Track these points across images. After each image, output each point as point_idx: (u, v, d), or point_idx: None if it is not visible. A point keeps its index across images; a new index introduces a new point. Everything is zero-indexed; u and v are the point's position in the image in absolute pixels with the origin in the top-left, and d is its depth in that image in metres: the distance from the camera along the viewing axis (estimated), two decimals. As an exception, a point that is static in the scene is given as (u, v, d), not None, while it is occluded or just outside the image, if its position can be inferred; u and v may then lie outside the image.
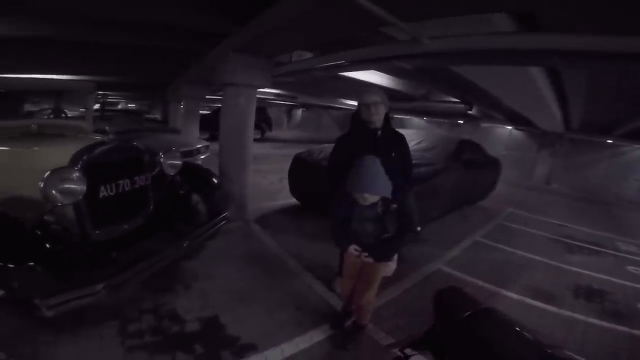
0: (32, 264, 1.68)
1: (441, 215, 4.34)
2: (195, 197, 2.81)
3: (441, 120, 15.21)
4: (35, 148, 2.34)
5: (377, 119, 2.14)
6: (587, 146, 11.03)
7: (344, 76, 6.36)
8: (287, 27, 2.69)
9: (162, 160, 2.69)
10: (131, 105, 19.95)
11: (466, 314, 1.12)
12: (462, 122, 14.04)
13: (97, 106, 7.01)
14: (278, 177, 6.40)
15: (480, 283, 3.12)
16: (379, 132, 2.18)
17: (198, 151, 6.40)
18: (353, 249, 1.84)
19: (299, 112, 23.14)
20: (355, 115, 2.24)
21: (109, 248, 2.16)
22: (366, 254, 1.82)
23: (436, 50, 3.04)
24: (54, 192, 1.88)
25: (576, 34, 2.18)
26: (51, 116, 3.38)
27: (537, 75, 4.13)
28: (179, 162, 2.78)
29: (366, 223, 1.79)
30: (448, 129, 14.99)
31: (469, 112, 9.10)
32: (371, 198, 1.68)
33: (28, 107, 3.51)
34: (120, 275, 1.89)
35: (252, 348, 2.03)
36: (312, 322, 2.32)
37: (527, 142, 12.51)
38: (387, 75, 6.96)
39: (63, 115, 3.45)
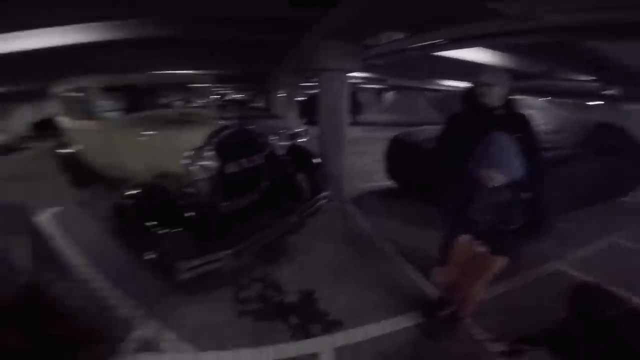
0: (178, 229, 2.00)
1: (568, 210, 3.70)
2: (300, 176, 3.02)
3: (564, 100, 12.73)
4: (177, 131, 2.79)
5: (491, 100, 1.96)
6: None
7: (442, 56, 5.88)
8: (381, 5, 2.61)
9: (273, 141, 2.98)
10: (238, 96, 22.21)
11: (616, 314, 0.98)
12: (594, 103, 11.49)
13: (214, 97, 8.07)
14: (371, 159, 6.40)
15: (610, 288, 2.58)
16: (497, 112, 1.98)
17: (299, 135, 6.81)
18: (468, 237, 1.72)
19: (389, 95, 22.32)
20: (469, 94, 2.08)
21: (232, 219, 2.48)
22: (482, 243, 1.68)
23: (558, 25, 2.57)
24: (194, 167, 2.27)
25: None
26: (183, 105, 3.94)
27: None
28: (286, 143, 3.05)
29: (488, 210, 1.62)
30: (573, 111, 12.46)
31: (605, 91, 7.40)
32: (499, 178, 1.50)
33: (164, 99, 4.07)
34: (242, 245, 2.17)
35: (339, 325, 2.12)
36: (402, 307, 2.31)
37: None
38: (494, 52, 6.17)
39: (191, 104, 4.00)
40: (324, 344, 1.98)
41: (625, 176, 4.69)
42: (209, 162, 2.33)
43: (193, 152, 2.30)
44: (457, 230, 1.80)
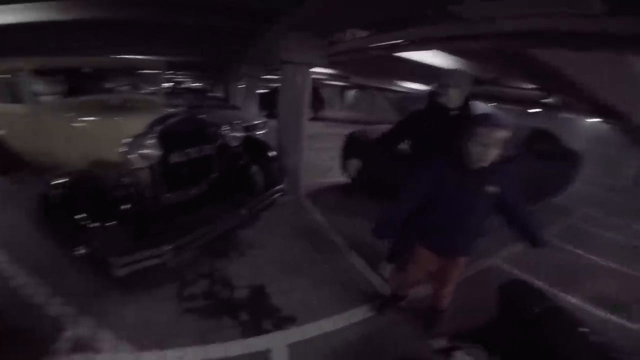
0: (113, 223, 1.84)
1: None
2: (254, 169, 2.95)
3: (509, 107, 13.81)
4: (118, 118, 2.62)
5: (452, 101, 2.05)
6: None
7: (403, 57, 6.06)
8: (346, 2, 2.62)
9: (225, 132, 2.86)
10: (196, 84, 21.23)
11: (535, 312, 1.04)
12: (534, 110, 12.59)
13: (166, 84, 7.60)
14: (329, 155, 6.45)
15: (541, 284, 2.87)
16: (453, 113, 2.07)
17: (256, 127, 6.69)
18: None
19: (351, 93, 22.70)
20: (432, 94, 2.17)
21: (176, 212, 2.35)
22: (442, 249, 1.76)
23: (512, 31, 2.75)
24: (133, 155, 2.10)
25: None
26: (129, 92, 3.69)
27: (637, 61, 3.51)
28: (241, 135, 2.94)
29: (463, 199, 1.59)
30: (517, 117, 13.59)
31: (545, 100, 8.14)
32: (497, 138, 1.40)
33: (109, 84, 3.82)
34: (185, 239, 2.05)
35: (291, 320, 2.10)
36: (353, 301, 2.34)
37: (614, 137, 10.82)
38: (450, 56, 6.48)
39: (139, 91, 3.77)
40: (277, 340, 1.95)
41: (556, 179, 5.22)
42: (150, 150, 2.17)
43: (131, 139, 2.13)
44: (415, 238, 1.84)
